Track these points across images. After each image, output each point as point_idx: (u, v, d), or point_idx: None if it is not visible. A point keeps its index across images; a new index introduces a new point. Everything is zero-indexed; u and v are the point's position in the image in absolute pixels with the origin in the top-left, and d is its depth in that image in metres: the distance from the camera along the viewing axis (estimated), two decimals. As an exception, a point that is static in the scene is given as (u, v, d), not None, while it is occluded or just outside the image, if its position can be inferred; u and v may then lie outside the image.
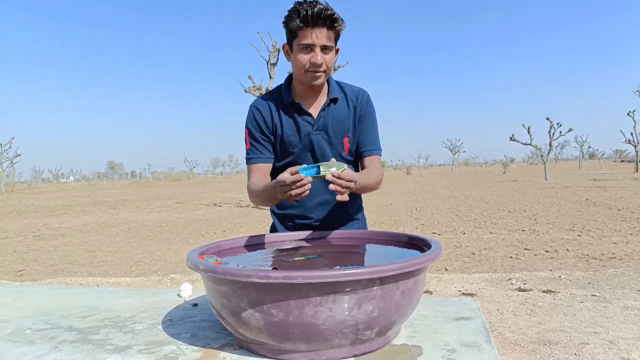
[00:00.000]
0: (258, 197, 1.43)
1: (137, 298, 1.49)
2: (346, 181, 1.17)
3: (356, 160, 1.58)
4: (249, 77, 14.63)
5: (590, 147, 72.47)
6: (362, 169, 1.55)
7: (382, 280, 0.87)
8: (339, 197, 1.19)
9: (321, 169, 1.18)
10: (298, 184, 1.15)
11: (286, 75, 1.53)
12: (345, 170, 1.18)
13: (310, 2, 1.31)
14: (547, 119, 28.51)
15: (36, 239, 9.03)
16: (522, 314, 3.42)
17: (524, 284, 4.36)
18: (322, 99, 1.50)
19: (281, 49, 1.48)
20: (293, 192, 1.17)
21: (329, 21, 1.32)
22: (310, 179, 1.17)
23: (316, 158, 1.50)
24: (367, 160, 1.53)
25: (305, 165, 1.22)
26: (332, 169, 1.17)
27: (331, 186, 1.17)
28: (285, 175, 1.17)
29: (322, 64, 1.36)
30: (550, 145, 29.12)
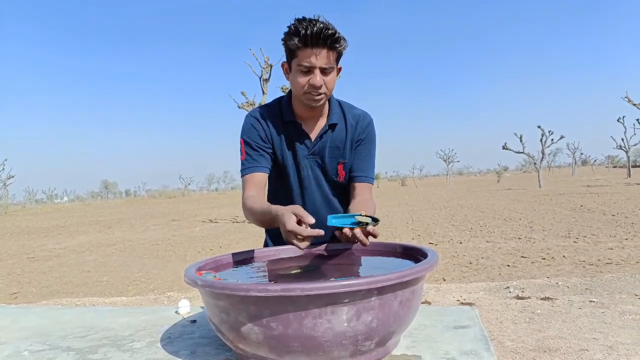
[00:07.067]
0: (254, 216, 1.33)
1: (134, 316, 1.48)
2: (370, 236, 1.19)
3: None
4: (242, 93, 14.68)
5: (582, 153, 73.21)
6: (352, 193, 1.50)
7: (380, 291, 0.87)
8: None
9: (357, 219, 1.19)
10: (307, 236, 1.08)
11: (279, 91, 1.53)
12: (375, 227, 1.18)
13: (310, 20, 1.24)
14: (539, 126, 28.78)
15: (30, 260, 8.94)
16: (521, 322, 3.42)
17: (522, 291, 4.37)
18: (322, 122, 1.45)
19: (280, 66, 1.44)
20: (301, 245, 1.09)
21: (330, 41, 1.24)
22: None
23: (309, 182, 1.47)
24: (358, 186, 1.48)
25: (335, 214, 1.24)
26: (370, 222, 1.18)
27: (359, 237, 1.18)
28: (301, 228, 1.08)
29: (321, 85, 1.30)
30: (543, 153, 29.36)
